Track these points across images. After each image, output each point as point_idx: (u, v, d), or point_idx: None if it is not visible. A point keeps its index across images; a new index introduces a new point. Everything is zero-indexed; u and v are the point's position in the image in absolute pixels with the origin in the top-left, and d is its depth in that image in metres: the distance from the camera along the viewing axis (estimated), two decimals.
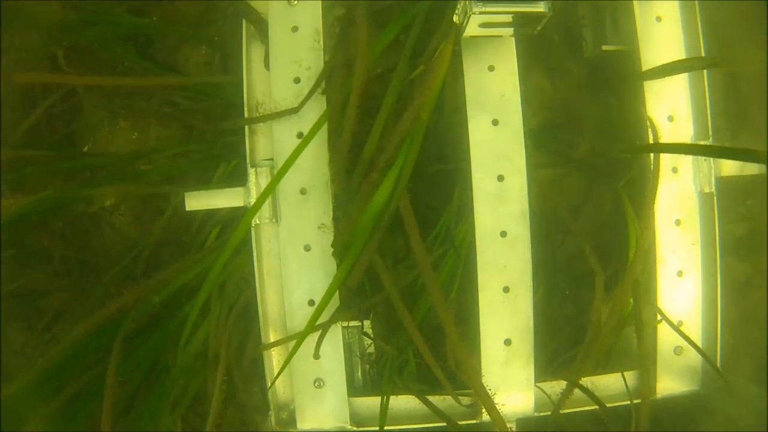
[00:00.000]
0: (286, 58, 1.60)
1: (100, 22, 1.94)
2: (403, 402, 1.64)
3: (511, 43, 1.61)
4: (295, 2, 1.61)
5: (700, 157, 1.69)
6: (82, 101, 2.09)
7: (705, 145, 1.69)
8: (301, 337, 1.50)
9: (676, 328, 1.63)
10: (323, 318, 1.52)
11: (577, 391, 1.59)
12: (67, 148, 2.12)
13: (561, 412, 1.58)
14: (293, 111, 1.56)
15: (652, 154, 1.65)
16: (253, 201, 1.57)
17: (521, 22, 1.46)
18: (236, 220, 1.61)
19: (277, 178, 1.55)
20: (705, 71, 1.70)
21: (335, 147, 1.54)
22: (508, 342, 1.60)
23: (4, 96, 1.91)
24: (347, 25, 1.60)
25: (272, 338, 1.61)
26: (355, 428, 1.58)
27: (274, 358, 1.61)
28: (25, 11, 1.82)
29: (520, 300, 1.60)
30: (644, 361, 1.62)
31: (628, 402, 1.60)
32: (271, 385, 1.58)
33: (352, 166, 1.52)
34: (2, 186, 1.74)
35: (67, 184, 1.99)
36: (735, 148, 1.54)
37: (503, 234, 1.60)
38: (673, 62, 1.65)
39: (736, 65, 2.01)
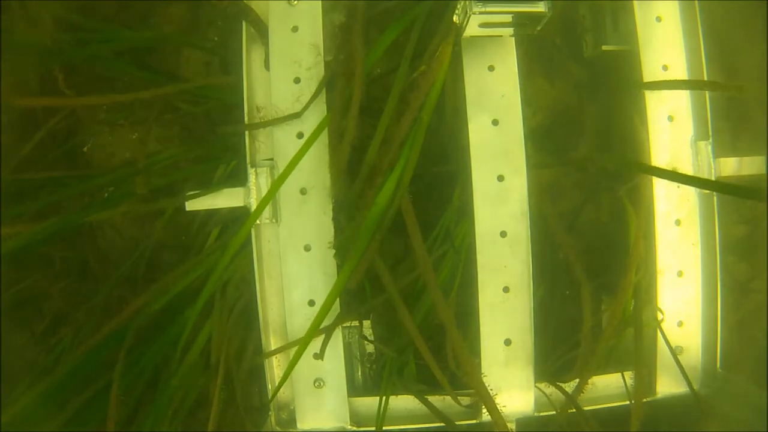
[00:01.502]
0: (287, 58, 1.60)
1: (95, 40, 1.94)
2: (403, 402, 1.64)
3: (511, 43, 1.61)
4: (295, 2, 1.61)
5: (700, 158, 1.69)
6: (81, 117, 2.10)
7: (701, 179, 1.68)
8: (302, 344, 1.49)
9: (661, 330, 1.63)
10: (324, 319, 1.52)
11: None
12: (69, 161, 2.13)
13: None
14: (295, 116, 1.56)
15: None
16: (253, 201, 1.57)
17: (521, 22, 1.46)
18: (236, 220, 1.61)
19: (279, 181, 1.54)
20: (704, 71, 1.70)
21: (336, 150, 1.54)
22: (508, 342, 1.60)
23: (4, 119, 1.92)
24: (347, 30, 1.60)
25: (272, 339, 1.61)
26: (355, 428, 1.58)
27: (275, 360, 1.61)
28: (19, 36, 1.82)
29: (520, 300, 1.60)
30: (639, 362, 1.62)
31: (628, 402, 1.60)
32: (274, 395, 1.58)
33: (353, 168, 1.52)
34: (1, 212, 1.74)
35: (67, 206, 1.99)
36: (733, 185, 1.54)
37: (503, 234, 1.60)
38: (675, 80, 1.66)
39: (736, 69, 2.02)
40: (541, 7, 1.39)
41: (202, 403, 1.83)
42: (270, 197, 1.56)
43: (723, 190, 1.54)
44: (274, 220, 1.58)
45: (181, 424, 1.82)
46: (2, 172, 1.92)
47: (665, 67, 1.68)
